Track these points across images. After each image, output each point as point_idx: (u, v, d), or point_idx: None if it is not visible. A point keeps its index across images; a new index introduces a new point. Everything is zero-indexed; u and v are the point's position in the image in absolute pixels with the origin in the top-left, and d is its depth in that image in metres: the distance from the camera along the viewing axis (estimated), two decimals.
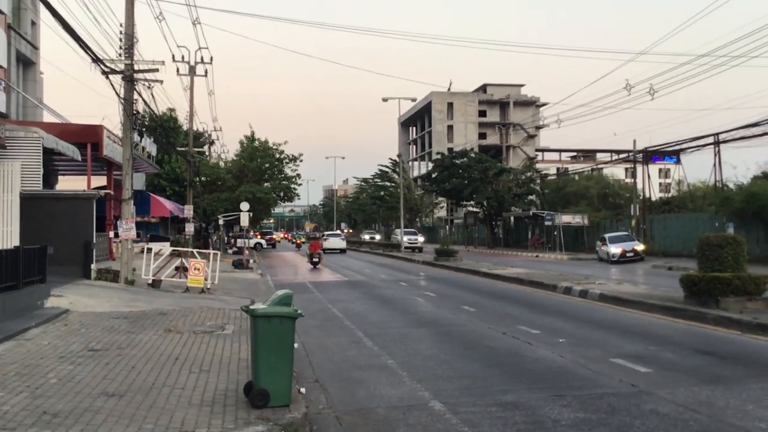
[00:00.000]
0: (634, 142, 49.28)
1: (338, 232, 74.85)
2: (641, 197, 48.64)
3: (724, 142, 42.32)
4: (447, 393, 8.53)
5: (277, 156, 50.99)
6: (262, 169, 50.53)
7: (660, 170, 74.61)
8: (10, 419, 6.76)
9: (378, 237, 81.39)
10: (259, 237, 70.96)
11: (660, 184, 71.91)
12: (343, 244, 59.74)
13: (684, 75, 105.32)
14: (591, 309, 16.97)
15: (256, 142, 51.57)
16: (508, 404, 7.96)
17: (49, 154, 21.74)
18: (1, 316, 12.01)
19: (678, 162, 51.48)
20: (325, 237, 60.51)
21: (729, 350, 11.29)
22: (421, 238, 63.14)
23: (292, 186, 53.09)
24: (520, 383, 9.05)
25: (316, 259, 36.95)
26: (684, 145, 45.55)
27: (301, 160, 51.96)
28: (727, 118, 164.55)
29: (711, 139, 43.18)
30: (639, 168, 49.62)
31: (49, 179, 26.19)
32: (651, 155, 48.61)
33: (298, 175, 53.10)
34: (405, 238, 57.37)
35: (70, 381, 8.41)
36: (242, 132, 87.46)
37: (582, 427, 7.05)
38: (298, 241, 80.00)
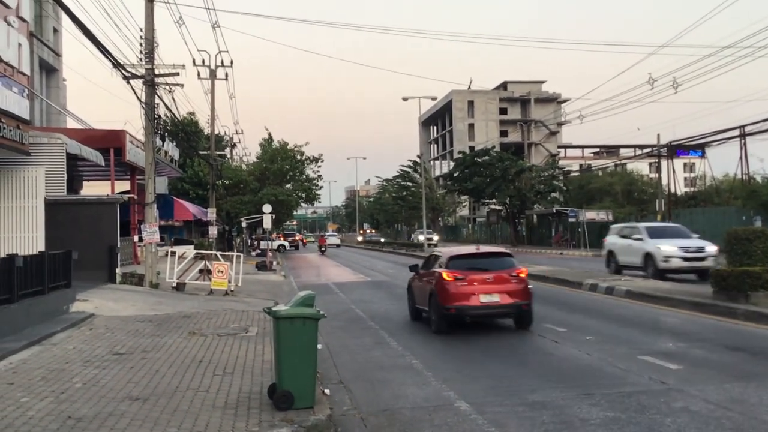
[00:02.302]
0: (658, 136, 48.53)
1: (334, 233, 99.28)
2: (666, 192, 48.07)
3: (750, 134, 41.69)
4: (473, 393, 8.43)
5: (298, 158, 51.11)
6: (283, 171, 50.68)
7: (685, 165, 73.86)
8: (35, 424, 6.77)
9: (436, 238, 66.49)
10: (282, 239, 71.15)
11: (685, 178, 71.09)
12: (337, 241, 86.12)
13: (708, 67, 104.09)
14: (618, 306, 16.74)
15: (275, 143, 51.74)
16: (536, 404, 7.85)
17: (72, 159, 21.91)
18: (27, 321, 12.10)
19: (703, 156, 50.77)
20: (326, 237, 78.88)
21: (760, 346, 11.07)
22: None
23: (314, 187, 53.20)
24: (547, 382, 8.92)
25: (323, 249, 62.10)
26: (709, 139, 44.96)
27: (322, 161, 52.08)
28: (753, 110, 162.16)
29: (736, 132, 42.56)
30: (663, 162, 49.06)
31: (74, 185, 26.42)
32: (675, 149, 47.98)
33: (320, 176, 53.24)
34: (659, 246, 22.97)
35: (95, 385, 8.43)
36: (264, 134, 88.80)
37: (611, 426, 6.92)
38: (305, 240, 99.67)
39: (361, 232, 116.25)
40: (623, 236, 25.21)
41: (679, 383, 8.56)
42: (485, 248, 15.89)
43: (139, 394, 8.00)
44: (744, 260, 14.91)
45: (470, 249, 15.50)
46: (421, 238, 73.63)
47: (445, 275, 13.29)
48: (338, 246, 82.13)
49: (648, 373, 9.16)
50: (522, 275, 13.43)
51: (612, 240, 26.16)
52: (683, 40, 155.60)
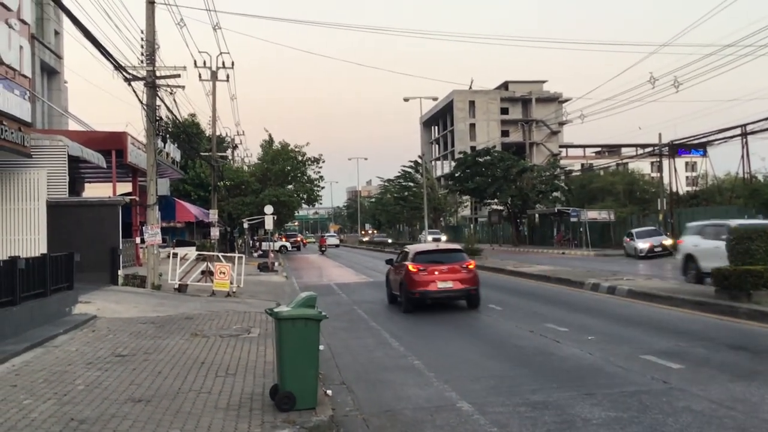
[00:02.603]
0: (660, 135, 48.43)
1: (334, 234, 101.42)
2: (668, 191, 48.03)
3: (752, 133, 41.63)
4: (475, 393, 8.43)
5: (299, 158, 51.09)
6: (284, 172, 50.67)
7: (686, 164, 73.73)
8: (37, 426, 6.78)
9: (444, 237, 63.55)
10: (283, 240, 71.17)
11: (687, 177, 71.00)
12: (336, 241, 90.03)
13: (709, 66, 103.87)
14: (619, 305, 16.73)
15: (276, 144, 51.75)
16: (538, 404, 7.85)
17: (74, 161, 21.94)
18: (30, 324, 12.12)
19: (705, 155, 50.68)
20: (326, 237, 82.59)
21: (763, 344, 11.05)
22: None
23: (315, 188, 53.17)
24: (548, 382, 8.92)
25: (324, 249, 66.08)
26: (710, 138, 44.87)
27: (323, 161, 52.03)
28: (754, 108, 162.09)
29: (738, 131, 42.48)
30: (665, 162, 48.99)
31: (75, 187, 26.44)
32: (677, 148, 47.88)
33: (321, 177, 53.21)
34: None
35: (98, 387, 8.44)
36: (264, 135, 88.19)
37: (613, 425, 6.92)
38: (305, 241, 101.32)
39: (363, 232, 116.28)
40: (706, 237, 20.01)
41: (681, 382, 8.55)
42: (443, 245, 20.96)
43: (141, 395, 8.01)
44: (746, 259, 14.89)
45: (431, 246, 19.62)
46: (429, 238, 73.12)
47: (410, 267, 16.68)
48: (337, 246, 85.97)
49: (650, 373, 9.16)
50: (471, 267, 16.92)
51: (692, 241, 20.69)
52: (684, 40, 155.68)
